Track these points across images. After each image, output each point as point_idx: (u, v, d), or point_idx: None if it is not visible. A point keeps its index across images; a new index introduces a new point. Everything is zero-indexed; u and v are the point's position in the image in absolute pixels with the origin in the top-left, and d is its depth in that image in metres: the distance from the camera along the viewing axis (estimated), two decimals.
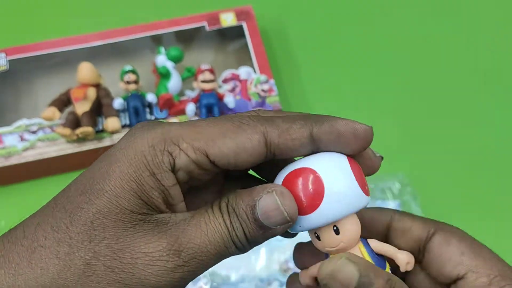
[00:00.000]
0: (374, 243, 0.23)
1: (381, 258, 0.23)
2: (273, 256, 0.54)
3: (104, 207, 0.20)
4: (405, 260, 0.23)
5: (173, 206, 0.22)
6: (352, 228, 0.22)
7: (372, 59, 0.66)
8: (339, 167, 0.22)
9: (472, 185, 0.57)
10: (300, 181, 0.22)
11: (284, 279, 0.53)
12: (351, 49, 0.67)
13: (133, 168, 0.21)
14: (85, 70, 0.56)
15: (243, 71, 0.60)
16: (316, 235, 0.23)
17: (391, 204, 0.56)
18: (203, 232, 0.21)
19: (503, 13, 0.69)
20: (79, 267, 0.19)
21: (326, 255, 0.23)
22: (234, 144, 0.21)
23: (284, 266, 0.54)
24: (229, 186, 0.26)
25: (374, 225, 0.24)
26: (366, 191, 0.22)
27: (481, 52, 0.66)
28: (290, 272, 0.54)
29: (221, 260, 0.22)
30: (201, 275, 0.53)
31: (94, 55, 0.61)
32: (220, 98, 0.58)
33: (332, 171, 0.22)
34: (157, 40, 0.63)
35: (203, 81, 0.58)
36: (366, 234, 0.23)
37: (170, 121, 0.26)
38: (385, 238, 0.25)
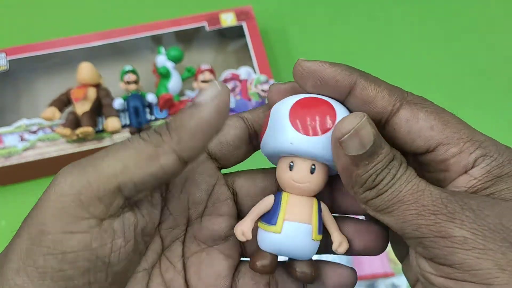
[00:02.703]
0: (325, 210, 0.24)
1: (322, 224, 0.24)
2: None
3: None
4: (337, 242, 0.23)
5: None
6: (323, 177, 0.23)
7: (372, 58, 0.66)
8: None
9: None
10: (318, 104, 0.22)
11: None
12: (351, 49, 0.67)
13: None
14: (85, 70, 0.56)
15: (243, 71, 0.60)
16: (292, 164, 0.23)
17: None
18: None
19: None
20: None
21: (278, 194, 0.23)
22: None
23: None
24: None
25: (336, 87, 0.22)
26: None
27: (477, 47, 0.66)
28: None
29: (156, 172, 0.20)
30: None
31: (94, 55, 0.61)
32: None
33: (344, 112, 0.22)
34: (157, 40, 0.63)
35: (203, 81, 0.58)
36: (327, 93, 0.23)
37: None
38: (345, 102, 0.23)
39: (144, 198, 0.22)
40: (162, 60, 0.58)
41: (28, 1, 0.71)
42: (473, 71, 0.65)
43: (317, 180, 0.23)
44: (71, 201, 0.20)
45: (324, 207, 0.24)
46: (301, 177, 0.23)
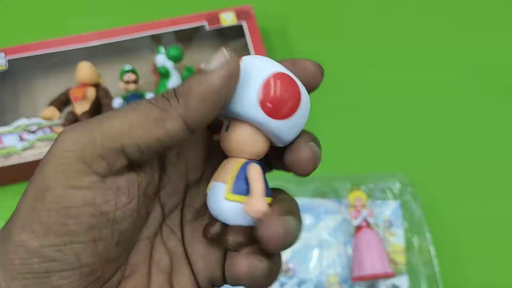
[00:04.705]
0: (253, 172, 0.22)
1: (243, 185, 0.22)
2: None
3: None
4: (249, 202, 0.21)
5: None
6: (243, 138, 0.22)
7: (373, 58, 0.66)
8: (307, 96, 0.23)
9: (472, 185, 0.57)
10: (289, 86, 0.22)
11: (284, 279, 0.53)
12: (352, 48, 0.67)
13: None
14: (85, 70, 0.56)
15: None
16: (227, 127, 0.22)
17: (391, 204, 0.56)
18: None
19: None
20: None
21: (225, 156, 0.23)
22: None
23: (284, 266, 0.54)
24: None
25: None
26: None
27: (478, 58, 0.66)
28: (291, 272, 0.54)
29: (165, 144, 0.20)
30: None
31: (94, 54, 0.61)
32: None
33: (306, 94, 0.23)
34: (157, 40, 0.63)
35: None
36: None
37: None
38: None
39: (146, 162, 0.22)
40: (161, 59, 0.58)
41: (28, 1, 0.70)
42: (473, 71, 0.65)
43: (233, 139, 0.22)
44: (73, 156, 0.20)
45: (254, 168, 0.22)
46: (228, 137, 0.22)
